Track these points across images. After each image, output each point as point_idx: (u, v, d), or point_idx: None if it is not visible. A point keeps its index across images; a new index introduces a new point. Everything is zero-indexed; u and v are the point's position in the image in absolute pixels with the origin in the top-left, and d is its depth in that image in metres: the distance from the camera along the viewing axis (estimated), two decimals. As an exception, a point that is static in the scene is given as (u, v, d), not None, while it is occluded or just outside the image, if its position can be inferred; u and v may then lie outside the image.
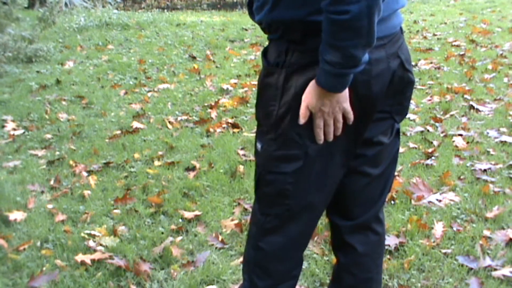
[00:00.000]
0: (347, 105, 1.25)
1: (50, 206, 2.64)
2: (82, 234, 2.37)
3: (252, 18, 1.41)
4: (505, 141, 3.19)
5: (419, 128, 3.44)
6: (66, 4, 7.64)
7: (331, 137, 1.28)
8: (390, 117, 1.40)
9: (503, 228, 2.35)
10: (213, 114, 3.78)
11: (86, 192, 2.76)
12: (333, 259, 2.11)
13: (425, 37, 5.77)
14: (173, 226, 2.45)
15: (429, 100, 3.96)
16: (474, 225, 2.38)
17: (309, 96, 1.24)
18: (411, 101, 3.92)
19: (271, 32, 1.33)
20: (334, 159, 1.34)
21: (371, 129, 1.36)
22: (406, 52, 1.38)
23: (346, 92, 1.24)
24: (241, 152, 3.15)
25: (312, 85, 1.23)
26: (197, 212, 2.54)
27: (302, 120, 1.26)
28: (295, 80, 1.27)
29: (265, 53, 1.37)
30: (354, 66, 1.18)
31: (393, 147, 1.48)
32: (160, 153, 3.22)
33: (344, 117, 1.27)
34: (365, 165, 1.43)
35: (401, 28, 1.38)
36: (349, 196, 1.47)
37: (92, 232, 2.38)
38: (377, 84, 1.29)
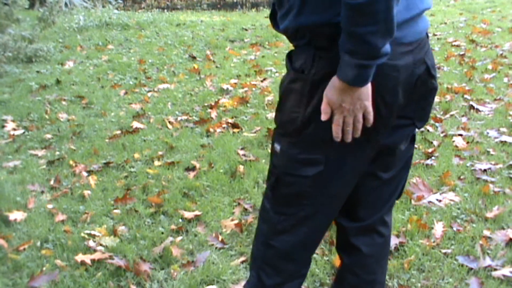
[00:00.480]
0: (368, 104, 1.23)
1: (50, 206, 2.64)
2: (82, 234, 2.37)
3: (276, 29, 1.39)
4: (505, 141, 3.19)
5: (419, 128, 3.44)
6: (66, 4, 7.63)
7: (349, 138, 1.26)
8: (412, 123, 1.40)
9: (503, 228, 2.35)
10: (213, 114, 3.78)
11: (86, 192, 2.76)
12: (334, 259, 2.12)
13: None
14: (173, 226, 2.45)
15: (429, 100, 3.95)
16: (474, 225, 2.38)
17: (329, 91, 1.22)
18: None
19: (298, 39, 1.31)
20: (354, 165, 1.34)
21: (391, 135, 1.36)
22: (432, 57, 1.37)
23: (368, 89, 1.21)
24: (241, 152, 3.15)
25: (333, 80, 1.21)
26: (197, 212, 2.54)
27: (324, 116, 1.24)
28: (321, 87, 1.25)
29: (290, 58, 1.35)
30: (374, 56, 1.15)
31: (407, 152, 1.48)
32: (160, 153, 3.22)
33: (363, 118, 1.25)
34: (378, 169, 1.43)
35: (426, 33, 1.37)
36: (358, 199, 1.46)
37: (92, 232, 2.38)
38: (404, 90, 1.29)
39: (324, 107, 1.24)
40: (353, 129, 1.25)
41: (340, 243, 1.59)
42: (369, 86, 1.21)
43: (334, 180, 1.34)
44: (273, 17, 1.40)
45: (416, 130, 1.45)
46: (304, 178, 1.33)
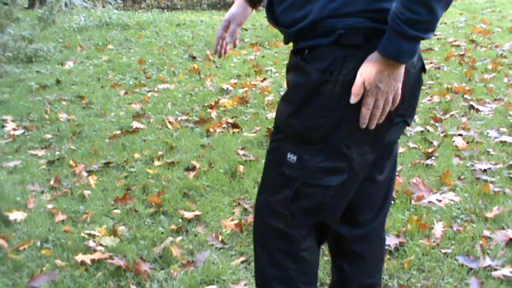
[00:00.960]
0: (400, 85, 1.19)
1: (50, 206, 2.64)
2: (82, 234, 2.37)
3: (274, 24, 1.31)
4: (505, 141, 3.19)
5: (419, 128, 3.44)
6: (66, 4, 7.63)
7: (374, 124, 1.21)
8: (404, 120, 1.38)
9: (503, 228, 2.35)
10: (213, 114, 3.78)
11: (86, 192, 2.76)
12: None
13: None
14: (173, 226, 2.45)
15: (429, 100, 3.96)
16: (474, 225, 2.38)
17: (367, 69, 1.16)
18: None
19: (318, 36, 1.21)
20: (368, 169, 1.33)
21: (390, 135, 1.34)
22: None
23: (403, 69, 1.18)
24: (241, 152, 3.15)
25: (373, 57, 1.16)
26: (197, 212, 2.54)
27: (354, 98, 1.18)
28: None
29: (303, 59, 1.24)
30: (429, 29, 1.13)
31: (396, 150, 1.48)
32: (160, 153, 3.22)
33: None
34: (375, 171, 1.41)
35: None
36: (356, 204, 1.43)
37: (92, 232, 2.38)
38: (414, 87, 1.30)
39: (357, 87, 1.18)
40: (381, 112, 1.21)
41: (339, 253, 1.56)
42: (404, 66, 1.18)
43: (353, 187, 1.32)
44: (270, 10, 1.31)
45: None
46: (326, 188, 1.27)
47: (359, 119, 1.22)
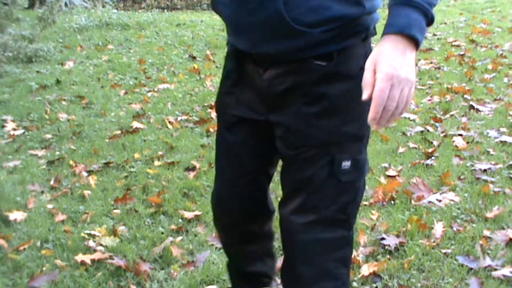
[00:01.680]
0: (413, 83, 1.08)
1: (50, 206, 2.64)
2: (82, 234, 2.37)
3: (290, 21, 1.14)
4: (505, 141, 3.19)
5: (419, 128, 3.44)
6: (66, 4, 7.63)
7: (382, 124, 1.11)
8: None
9: (503, 228, 2.35)
10: (213, 114, 3.77)
11: (86, 192, 2.76)
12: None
13: (425, 37, 5.76)
14: (173, 226, 2.45)
15: (429, 100, 3.96)
16: (474, 225, 2.38)
17: (377, 53, 1.08)
18: (412, 101, 3.93)
19: (348, 36, 1.18)
20: None
21: None
22: None
23: (414, 55, 1.10)
24: (241, 152, 3.15)
25: (381, 41, 1.09)
26: (197, 212, 2.54)
27: (365, 94, 1.09)
28: None
29: (334, 64, 1.19)
30: (430, 2, 1.09)
31: None
32: (160, 153, 3.22)
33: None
34: None
35: None
36: None
37: (92, 232, 2.38)
38: None
39: (367, 77, 1.08)
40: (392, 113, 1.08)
41: None
42: (415, 53, 1.11)
43: None
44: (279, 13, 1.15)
45: None
46: (364, 178, 1.30)
47: None
